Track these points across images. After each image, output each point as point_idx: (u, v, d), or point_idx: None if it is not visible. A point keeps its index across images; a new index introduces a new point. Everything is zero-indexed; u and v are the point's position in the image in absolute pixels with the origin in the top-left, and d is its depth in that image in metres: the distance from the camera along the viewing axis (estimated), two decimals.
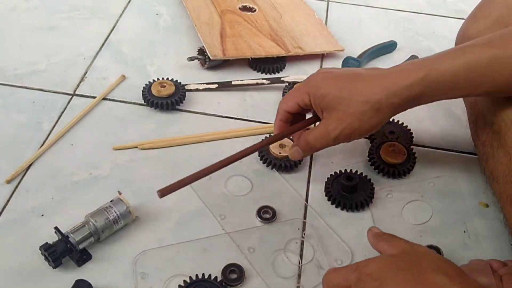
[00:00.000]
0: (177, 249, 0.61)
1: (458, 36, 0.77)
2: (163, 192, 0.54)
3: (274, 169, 0.70)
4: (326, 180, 0.68)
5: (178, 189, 0.56)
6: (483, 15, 0.74)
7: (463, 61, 0.57)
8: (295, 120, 0.65)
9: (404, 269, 0.46)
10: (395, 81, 0.58)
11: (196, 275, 0.56)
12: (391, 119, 0.77)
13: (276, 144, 0.70)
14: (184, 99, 0.78)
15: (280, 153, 0.70)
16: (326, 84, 0.59)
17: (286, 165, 0.69)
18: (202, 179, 0.58)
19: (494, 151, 0.62)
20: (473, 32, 0.73)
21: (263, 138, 0.70)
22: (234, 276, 0.58)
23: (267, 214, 0.65)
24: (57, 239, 0.58)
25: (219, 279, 0.57)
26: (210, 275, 0.56)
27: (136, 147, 0.72)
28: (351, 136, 0.60)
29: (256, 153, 0.71)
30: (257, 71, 0.86)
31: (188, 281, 0.56)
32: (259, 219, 0.64)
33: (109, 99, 0.79)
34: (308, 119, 0.65)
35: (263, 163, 0.70)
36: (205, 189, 0.67)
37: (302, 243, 0.62)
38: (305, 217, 0.65)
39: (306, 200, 0.67)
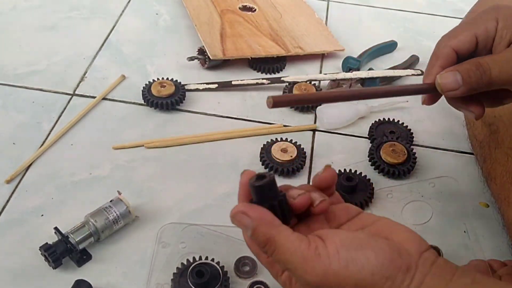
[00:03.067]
0: (203, 231, 0.62)
1: None
2: (276, 102, 0.43)
3: (276, 174, 0.70)
4: None
5: (292, 104, 0.50)
6: None
7: None
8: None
9: None
10: None
11: (200, 257, 0.57)
12: (391, 119, 0.77)
13: (278, 148, 0.70)
14: (184, 99, 0.78)
15: (281, 158, 0.69)
16: None
17: (288, 170, 0.69)
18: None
19: (492, 152, 0.62)
20: None
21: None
22: (246, 268, 0.59)
23: None
24: (57, 239, 0.58)
25: (232, 269, 0.58)
26: (213, 259, 0.57)
27: (136, 146, 0.72)
28: None
29: (258, 155, 0.70)
30: (257, 71, 0.86)
31: (191, 260, 0.57)
32: None
33: (109, 99, 0.79)
34: (430, 83, 0.49)
35: (265, 167, 0.70)
36: (207, 190, 0.67)
37: None
38: None
39: None
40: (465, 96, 0.47)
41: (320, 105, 0.79)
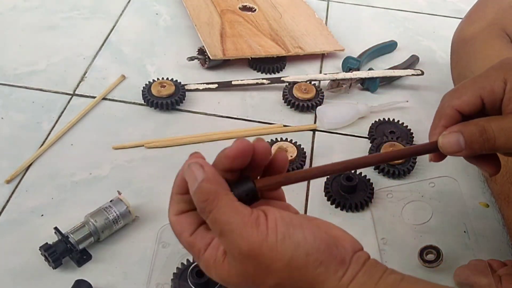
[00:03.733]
0: None
1: (454, 38, 0.77)
2: (260, 187, 0.42)
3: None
4: (325, 180, 0.68)
5: (279, 186, 0.44)
6: (478, 17, 0.74)
7: None
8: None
9: None
10: None
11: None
12: (391, 119, 0.77)
13: (278, 148, 0.70)
14: (184, 99, 0.78)
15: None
16: None
17: (288, 170, 0.68)
18: None
19: None
20: (469, 33, 0.74)
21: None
22: None
23: None
24: (57, 239, 0.58)
25: None
26: None
27: (136, 146, 0.72)
28: None
29: None
30: (257, 71, 0.86)
31: (191, 260, 0.57)
32: None
33: (109, 99, 0.79)
34: (433, 142, 0.46)
35: None
36: None
37: None
38: None
39: (306, 200, 0.67)
40: None
41: (320, 105, 0.79)
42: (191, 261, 0.57)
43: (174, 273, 0.56)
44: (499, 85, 0.44)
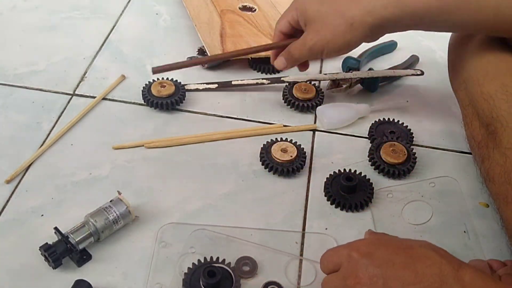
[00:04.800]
0: (203, 231, 0.62)
1: (451, 38, 0.77)
2: (156, 70, 0.68)
3: (275, 174, 0.70)
4: (325, 180, 0.68)
5: (171, 70, 0.69)
6: None
7: None
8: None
9: (391, 243, 0.51)
10: (371, 1, 0.62)
11: (208, 257, 0.57)
12: (391, 119, 0.77)
13: (278, 148, 0.70)
14: (184, 99, 0.78)
15: (281, 158, 0.69)
16: (311, 0, 0.66)
17: (288, 170, 0.69)
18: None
19: (490, 152, 0.62)
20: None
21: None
22: (246, 268, 0.59)
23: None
24: (57, 239, 0.58)
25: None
26: (224, 260, 0.57)
27: (136, 146, 0.72)
28: (325, 48, 0.65)
29: (258, 155, 0.71)
30: (257, 71, 0.86)
31: (196, 262, 0.57)
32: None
33: (109, 99, 0.79)
34: (290, 38, 0.70)
35: (265, 167, 0.70)
36: (207, 190, 0.68)
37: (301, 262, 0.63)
38: (304, 221, 0.65)
39: (306, 200, 0.67)
40: None
41: (320, 105, 0.79)
42: (196, 264, 0.57)
43: (185, 273, 0.56)
44: (294, 13, 0.66)
